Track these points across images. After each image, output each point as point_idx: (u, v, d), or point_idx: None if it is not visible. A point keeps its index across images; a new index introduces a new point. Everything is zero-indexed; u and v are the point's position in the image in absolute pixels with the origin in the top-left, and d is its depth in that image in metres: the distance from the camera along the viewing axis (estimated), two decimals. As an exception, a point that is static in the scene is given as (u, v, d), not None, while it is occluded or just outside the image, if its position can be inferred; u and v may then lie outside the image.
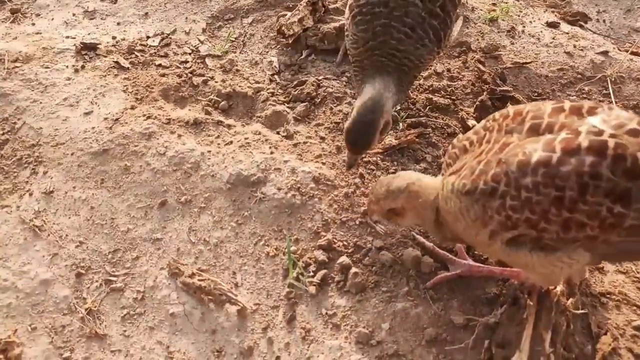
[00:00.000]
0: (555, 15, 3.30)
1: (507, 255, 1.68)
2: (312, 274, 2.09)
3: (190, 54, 2.97)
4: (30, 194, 2.32)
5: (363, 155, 2.15)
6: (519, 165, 1.51)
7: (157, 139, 2.45)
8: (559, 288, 1.95)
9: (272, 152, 2.44)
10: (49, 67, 2.77)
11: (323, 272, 2.09)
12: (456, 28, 2.44)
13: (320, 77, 2.79)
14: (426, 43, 2.11)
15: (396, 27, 2.08)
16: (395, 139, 2.55)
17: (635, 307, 2.05)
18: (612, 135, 1.48)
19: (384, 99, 2.04)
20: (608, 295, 2.08)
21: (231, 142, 2.49)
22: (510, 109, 1.72)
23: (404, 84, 2.16)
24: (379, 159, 2.50)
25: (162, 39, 3.03)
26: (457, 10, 2.31)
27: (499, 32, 3.05)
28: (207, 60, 2.94)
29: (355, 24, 2.15)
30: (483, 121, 1.78)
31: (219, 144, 2.49)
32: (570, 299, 1.96)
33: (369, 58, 2.12)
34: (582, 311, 1.96)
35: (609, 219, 1.47)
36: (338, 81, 2.80)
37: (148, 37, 3.04)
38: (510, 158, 1.54)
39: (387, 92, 2.07)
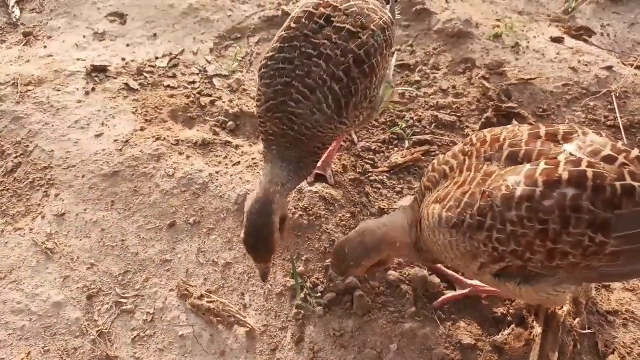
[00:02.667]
0: (560, 30, 3.32)
1: (497, 286, 1.72)
2: (320, 294, 2.11)
3: (198, 74, 3.02)
4: (43, 217, 2.37)
5: (273, 261, 1.99)
6: (503, 200, 1.55)
7: (166, 160, 2.49)
8: (566, 308, 1.96)
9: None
10: (60, 90, 2.83)
11: (331, 292, 2.11)
12: (382, 93, 2.19)
13: (326, 96, 2.82)
14: (323, 108, 1.93)
15: (296, 87, 1.93)
16: (402, 158, 2.57)
17: (643, 326, 2.05)
18: (589, 164, 1.52)
19: (273, 196, 1.88)
20: (615, 314, 2.08)
21: (239, 163, 2.53)
22: (487, 133, 1.74)
23: (305, 159, 2.02)
24: (385, 177, 2.53)
25: (171, 60, 3.08)
26: (379, 77, 2.09)
27: (503, 48, 3.07)
28: (214, 80, 2.99)
29: (260, 76, 2.03)
30: (460, 144, 1.80)
31: (227, 164, 2.52)
32: (577, 319, 1.97)
33: (271, 120, 1.97)
34: (589, 331, 1.97)
35: (591, 248, 1.51)
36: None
37: (157, 58, 3.09)
38: (494, 192, 1.57)
39: (280, 182, 1.93)
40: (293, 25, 2.03)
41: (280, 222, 1.90)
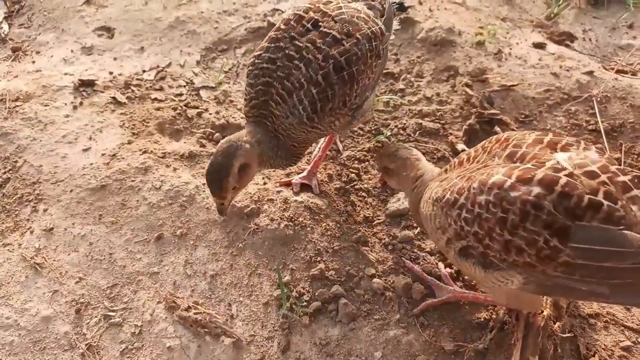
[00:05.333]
0: (542, 36, 3.36)
1: (457, 263, 1.82)
2: (305, 303, 2.14)
3: (185, 86, 3.05)
4: (31, 232, 2.39)
5: (230, 199, 2.08)
6: (479, 183, 1.64)
7: (153, 173, 2.52)
8: (546, 312, 1.99)
9: (265, 183, 2.50)
10: (48, 105, 2.86)
11: (316, 301, 2.14)
12: (368, 103, 2.25)
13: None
14: (297, 112, 2.00)
15: (277, 87, 2.01)
16: (386, 166, 2.61)
17: (623, 328, 2.08)
18: (568, 174, 1.55)
19: (243, 142, 1.99)
20: (597, 317, 2.12)
21: (225, 174, 2.55)
22: (505, 134, 1.83)
23: (282, 149, 2.11)
24: (370, 186, 2.56)
25: (158, 73, 3.11)
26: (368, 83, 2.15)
27: (486, 55, 3.11)
28: (201, 92, 3.02)
29: (247, 74, 2.12)
30: (484, 141, 1.88)
31: (213, 176, 2.55)
32: (558, 323, 2.00)
33: (255, 118, 2.08)
34: (569, 334, 2.00)
35: (545, 250, 1.54)
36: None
37: (144, 71, 3.12)
38: (477, 176, 1.67)
39: (256, 139, 2.03)
40: (282, 26, 2.11)
41: (241, 168, 1.99)
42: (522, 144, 1.71)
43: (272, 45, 2.07)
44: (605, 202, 1.51)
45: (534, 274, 1.60)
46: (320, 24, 2.07)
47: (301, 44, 2.03)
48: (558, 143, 1.68)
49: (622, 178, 1.57)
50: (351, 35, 2.06)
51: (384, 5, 2.34)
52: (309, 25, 2.07)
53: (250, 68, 2.10)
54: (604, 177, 1.56)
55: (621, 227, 1.49)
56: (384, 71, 3.07)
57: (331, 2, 2.17)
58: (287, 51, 2.03)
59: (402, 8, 2.56)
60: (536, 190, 1.54)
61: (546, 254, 1.54)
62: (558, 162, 1.60)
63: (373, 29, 2.13)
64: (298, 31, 2.07)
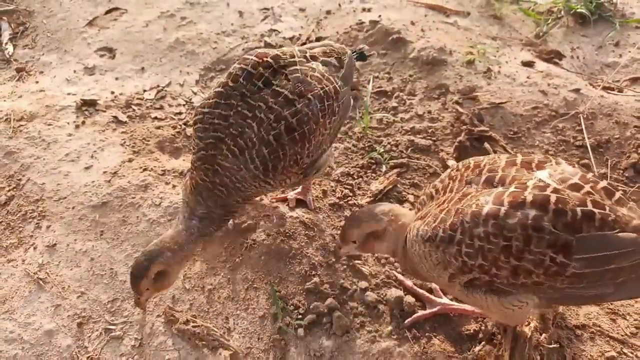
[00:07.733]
0: (531, 54, 3.47)
1: (465, 296, 1.82)
2: (300, 316, 2.21)
3: (184, 105, 3.15)
4: (35, 248, 2.47)
5: (147, 297, 2.05)
6: (472, 216, 1.66)
7: (153, 190, 2.60)
8: (533, 324, 2.05)
9: (261, 199, 2.58)
10: (51, 124, 2.94)
11: (311, 314, 2.20)
12: (327, 159, 2.29)
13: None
14: (250, 168, 2.00)
15: (228, 144, 1.99)
16: (380, 184, 2.69)
17: (609, 339, 2.15)
18: (555, 190, 1.62)
19: (165, 251, 1.99)
20: (583, 328, 2.18)
21: (223, 191, 2.63)
22: (472, 160, 1.87)
23: (219, 212, 2.10)
24: (364, 202, 2.64)
25: (158, 92, 3.21)
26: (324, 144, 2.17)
27: (475, 73, 3.20)
28: (200, 110, 3.11)
29: (195, 129, 2.08)
30: (448, 170, 1.93)
31: (211, 192, 2.63)
32: (545, 334, 2.06)
33: (198, 170, 2.06)
34: (555, 345, 2.06)
35: (553, 268, 1.60)
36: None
37: (144, 91, 3.22)
38: (465, 208, 1.69)
39: (180, 237, 2.04)
40: (230, 83, 2.06)
41: (158, 274, 1.99)
42: (496, 168, 1.76)
43: (222, 101, 2.03)
44: (597, 211, 1.59)
45: (541, 290, 1.66)
46: (272, 82, 2.04)
47: (254, 102, 2.00)
48: (531, 162, 1.75)
49: (602, 184, 1.67)
50: (303, 96, 2.04)
51: (343, 58, 2.32)
52: (259, 84, 2.04)
53: (199, 125, 2.06)
54: (587, 187, 1.65)
55: (616, 230, 1.58)
56: (378, 89, 3.18)
57: (282, 55, 2.13)
58: (239, 108, 2.01)
59: (362, 57, 2.56)
60: (532, 213, 1.59)
61: (554, 271, 1.60)
62: (540, 179, 1.66)
63: (326, 88, 2.11)
64: (249, 89, 2.03)
